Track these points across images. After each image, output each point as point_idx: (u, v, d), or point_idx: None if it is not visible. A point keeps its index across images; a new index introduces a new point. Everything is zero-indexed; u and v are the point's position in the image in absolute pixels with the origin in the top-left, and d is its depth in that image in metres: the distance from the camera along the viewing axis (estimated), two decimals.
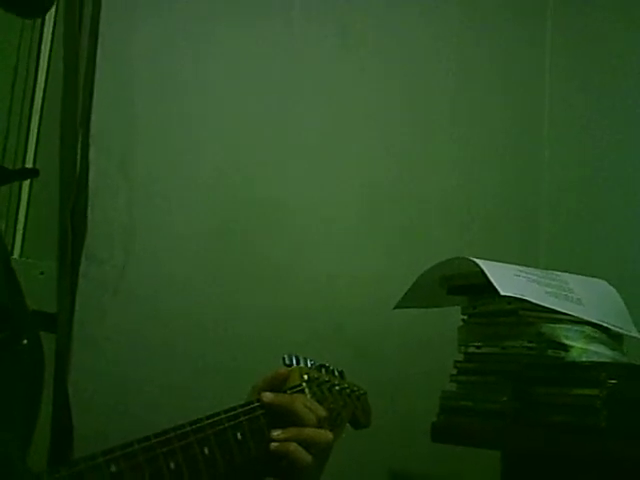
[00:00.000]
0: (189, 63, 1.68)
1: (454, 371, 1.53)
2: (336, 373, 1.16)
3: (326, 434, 0.97)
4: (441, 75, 2.00)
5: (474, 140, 2.02)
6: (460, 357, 1.53)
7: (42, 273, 1.51)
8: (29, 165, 1.57)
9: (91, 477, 0.69)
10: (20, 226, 1.55)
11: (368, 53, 1.90)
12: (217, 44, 1.72)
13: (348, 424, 1.15)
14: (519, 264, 1.49)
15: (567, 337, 1.43)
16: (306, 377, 1.05)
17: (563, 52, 2.12)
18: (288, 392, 1.01)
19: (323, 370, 1.12)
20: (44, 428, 1.40)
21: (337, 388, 1.12)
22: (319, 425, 0.97)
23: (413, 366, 1.77)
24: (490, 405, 1.44)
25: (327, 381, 1.10)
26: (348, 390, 1.15)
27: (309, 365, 1.10)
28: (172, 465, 0.77)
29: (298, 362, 1.08)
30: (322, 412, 0.99)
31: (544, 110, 2.12)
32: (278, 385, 1.02)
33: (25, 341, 0.81)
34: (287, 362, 1.07)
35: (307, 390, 1.04)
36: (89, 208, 1.53)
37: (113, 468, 0.71)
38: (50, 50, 1.60)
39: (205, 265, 1.65)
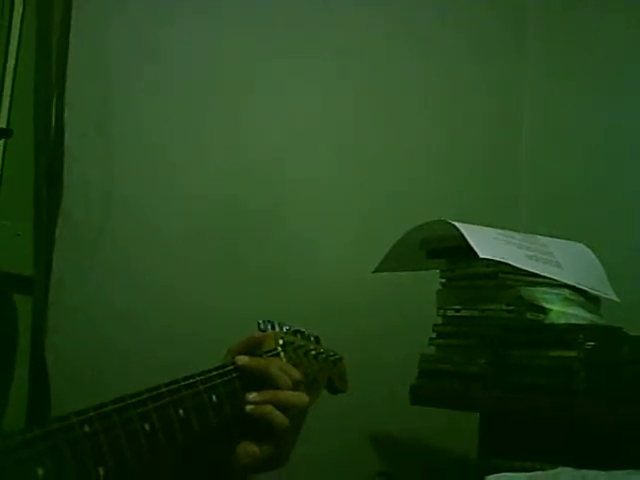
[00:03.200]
0: (166, 24, 1.65)
1: (433, 334, 1.54)
2: (312, 338, 1.15)
3: (302, 396, 0.97)
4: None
5: (457, 105, 2.01)
6: (439, 320, 1.53)
7: (18, 235, 1.49)
8: (2, 126, 1.54)
9: (64, 437, 0.68)
10: None
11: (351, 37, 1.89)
12: (195, 7, 1.69)
13: (324, 389, 1.14)
14: (499, 227, 1.49)
15: (546, 300, 1.43)
16: (281, 342, 1.04)
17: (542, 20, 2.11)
18: (263, 356, 1.01)
19: (299, 335, 1.11)
20: (21, 391, 1.39)
21: (313, 353, 1.11)
22: (294, 388, 0.97)
23: (392, 329, 1.78)
24: (469, 368, 1.44)
25: (302, 346, 1.09)
26: (324, 355, 1.13)
27: (284, 330, 1.08)
28: (147, 426, 0.76)
29: (273, 327, 1.07)
30: (297, 375, 0.98)
31: (525, 75, 2.11)
32: (253, 349, 1.01)
33: None
34: (262, 327, 1.06)
35: (282, 354, 1.03)
36: (65, 170, 1.51)
37: (87, 428, 0.69)
38: (23, 9, 1.56)
39: (186, 227, 1.64)
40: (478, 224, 1.46)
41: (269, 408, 0.93)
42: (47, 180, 1.48)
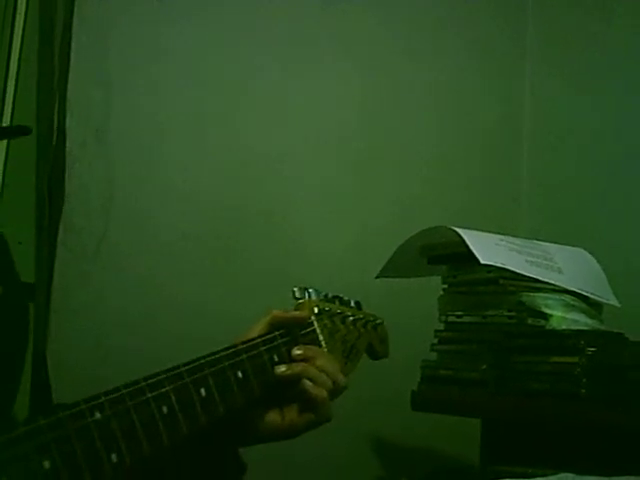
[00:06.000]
0: (167, 29, 1.66)
1: (435, 340, 1.53)
2: (352, 304, 1.10)
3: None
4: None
5: (457, 109, 2.02)
6: (441, 326, 1.53)
7: (19, 243, 1.49)
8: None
9: (73, 426, 0.64)
10: None
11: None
12: (197, 9, 1.70)
13: (366, 354, 1.10)
14: (500, 232, 1.49)
15: (547, 305, 1.43)
16: (316, 310, 1.00)
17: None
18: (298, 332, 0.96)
19: (337, 301, 1.06)
20: (23, 397, 1.38)
21: (351, 319, 1.06)
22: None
23: (394, 335, 1.77)
24: (470, 374, 1.44)
25: (339, 313, 1.04)
26: (363, 320, 1.09)
27: (321, 297, 1.04)
28: (165, 409, 0.71)
29: (309, 295, 1.02)
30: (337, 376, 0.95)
31: (525, 79, 2.12)
32: (291, 326, 0.97)
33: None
34: (297, 295, 1.01)
35: (317, 324, 0.99)
36: (66, 176, 1.51)
37: (97, 415, 0.65)
38: (25, 16, 1.57)
39: (185, 232, 1.64)
40: (479, 229, 1.46)
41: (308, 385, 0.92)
42: (48, 187, 1.49)
